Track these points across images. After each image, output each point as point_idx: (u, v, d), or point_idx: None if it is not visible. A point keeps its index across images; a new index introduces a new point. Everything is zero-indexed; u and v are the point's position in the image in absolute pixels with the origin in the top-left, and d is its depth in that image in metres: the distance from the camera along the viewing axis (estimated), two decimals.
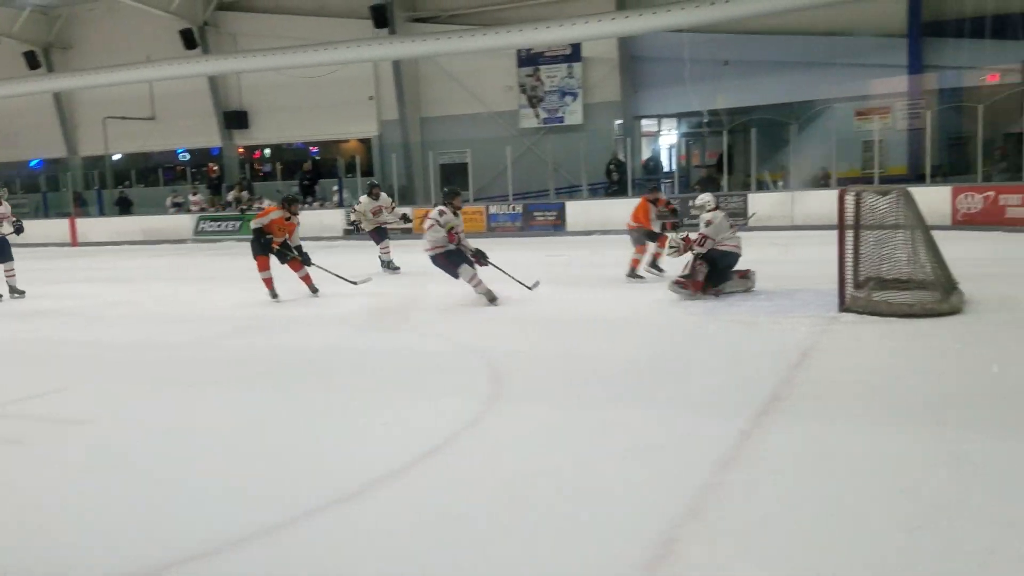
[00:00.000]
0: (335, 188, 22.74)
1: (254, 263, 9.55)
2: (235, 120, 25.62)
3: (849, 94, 18.53)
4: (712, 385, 5.05)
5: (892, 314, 6.66)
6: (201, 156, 26.86)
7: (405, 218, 13.27)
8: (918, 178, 16.58)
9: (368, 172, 23.65)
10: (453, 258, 8.37)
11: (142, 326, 8.44)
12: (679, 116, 22.02)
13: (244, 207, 22.56)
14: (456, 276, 8.39)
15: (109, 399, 5.37)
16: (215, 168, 25.94)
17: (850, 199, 7.17)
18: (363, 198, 12.86)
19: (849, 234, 7.12)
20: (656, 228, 10.07)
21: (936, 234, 7.40)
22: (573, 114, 21.95)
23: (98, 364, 6.56)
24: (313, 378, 5.72)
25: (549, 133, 21.89)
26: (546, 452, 3.96)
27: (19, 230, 11.16)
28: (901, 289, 7.00)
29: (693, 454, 3.79)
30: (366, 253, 13.13)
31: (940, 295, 6.84)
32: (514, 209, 19.76)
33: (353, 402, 5.01)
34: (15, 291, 10.95)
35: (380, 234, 12.54)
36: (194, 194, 24.45)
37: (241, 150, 26.54)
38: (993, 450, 3.68)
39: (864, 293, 7.05)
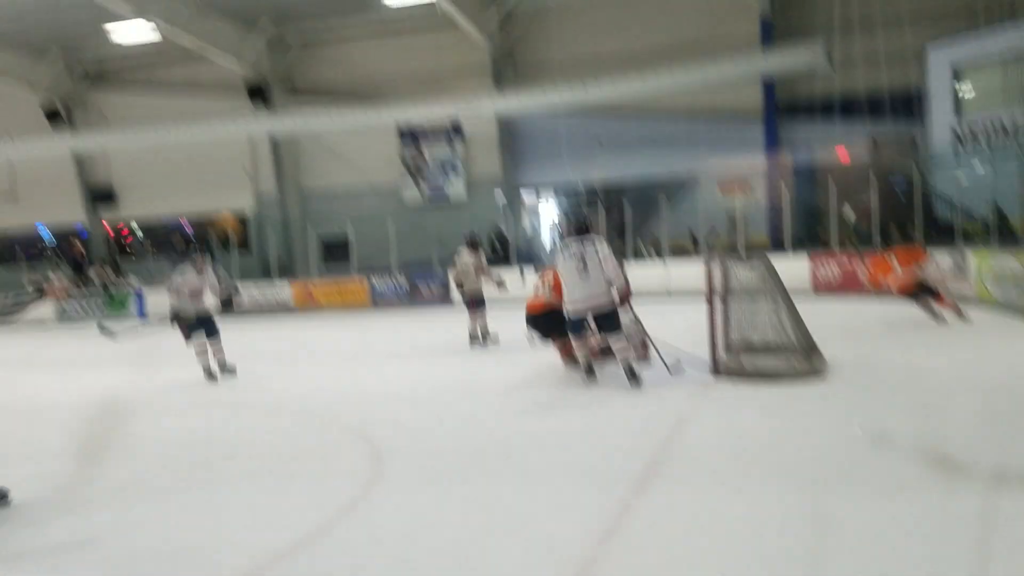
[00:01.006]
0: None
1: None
2: (102, 196, 24.56)
3: (712, 170, 19.73)
4: (591, 454, 5.07)
5: (760, 376, 6.94)
6: (65, 234, 25.49)
7: (502, 284, 10.97)
8: (778, 247, 17.63)
9: (244, 246, 23.09)
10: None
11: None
12: (557, 189, 22.74)
13: (111, 286, 21.47)
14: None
15: None
16: (79, 246, 24.67)
17: (716, 268, 7.52)
18: (463, 250, 10.76)
19: (717, 301, 7.43)
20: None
21: (796, 300, 7.82)
22: (456, 189, 22.29)
23: None
24: (186, 465, 5.38)
25: (434, 209, 22.09)
26: (426, 534, 3.84)
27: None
28: (767, 353, 7.34)
29: (575, 526, 3.77)
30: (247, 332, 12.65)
31: (803, 359, 7.19)
32: (398, 281, 19.66)
33: (227, 490, 4.73)
34: None
35: (478, 301, 10.66)
36: (54, 272, 23.07)
37: (108, 227, 25.38)
38: (857, 508, 3.84)
39: (734, 358, 7.35)
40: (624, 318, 7.41)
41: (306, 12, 20.71)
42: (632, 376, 6.99)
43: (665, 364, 7.52)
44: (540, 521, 3.91)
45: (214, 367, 9.06)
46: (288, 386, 8.55)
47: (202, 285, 9.15)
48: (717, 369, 7.26)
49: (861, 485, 4.18)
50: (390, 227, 20.18)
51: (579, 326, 7.17)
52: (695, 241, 18.92)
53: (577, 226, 7.30)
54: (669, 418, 5.85)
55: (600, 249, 7.07)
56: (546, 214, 23.66)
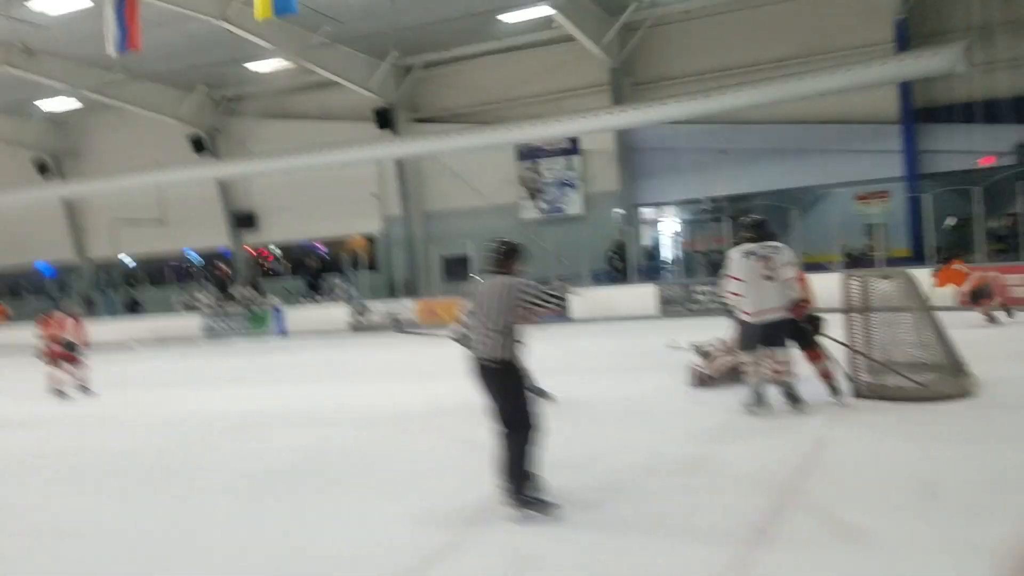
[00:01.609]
0: (340, 283, 23.13)
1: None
2: (244, 221, 26.07)
3: (847, 179, 18.84)
4: (721, 478, 4.92)
5: (903, 399, 6.56)
6: (211, 257, 27.22)
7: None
8: (920, 259, 16.65)
9: (373, 267, 23.93)
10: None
11: (128, 433, 8.31)
12: (679, 204, 22.34)
13: (253, 305, 22.88)
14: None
15: (94, 511, 5.24)
16: (225, 268, 26.25)
17: (855, 283, 7.17)
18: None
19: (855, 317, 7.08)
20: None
21: (942, 316, 7.36)
22: (574, 205, 22.31)
23: (83, 474, 6.43)
24: (312, 480, 5.58)
25: (550, 224, 22.19)
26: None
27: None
28: (911, 373, 6.92)
29: (738, 527, 3.67)
30: (371, 347, 13.08)
31: (950, 378, 6.75)
32: None
33: (350, 503, 4.89)
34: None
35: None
36: (201, 293, 24.66)
37: (250, 250, 26.92)
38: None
39: (875, 378, 6.96)
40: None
41: (430, 39, 21.31)
42: (794, 399, 6.55)
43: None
44: (711, 525, 3.83)
45: None
46: (416, 397, 8.76)
47: None
48: (857, 390, 6.91)
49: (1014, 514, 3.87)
50: None
51: (756, 339, 6.59)
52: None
53: (759, 231, 6.73)
54: (805, 443, 5.61)
55: (782, 256, 6.55)
56: (667, 228, 23.32)
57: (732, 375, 7.76)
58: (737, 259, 6.66)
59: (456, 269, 21.33)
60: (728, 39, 19.99)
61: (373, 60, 22.14)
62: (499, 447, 4.45)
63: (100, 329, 24.30)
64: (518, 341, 4.52)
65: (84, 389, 11.33)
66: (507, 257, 4.84)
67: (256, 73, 22.74)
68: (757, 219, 6.89)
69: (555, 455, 5.84)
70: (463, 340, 4.73)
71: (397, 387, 10.14)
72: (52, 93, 22.61)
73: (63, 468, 6.67)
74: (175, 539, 4.48)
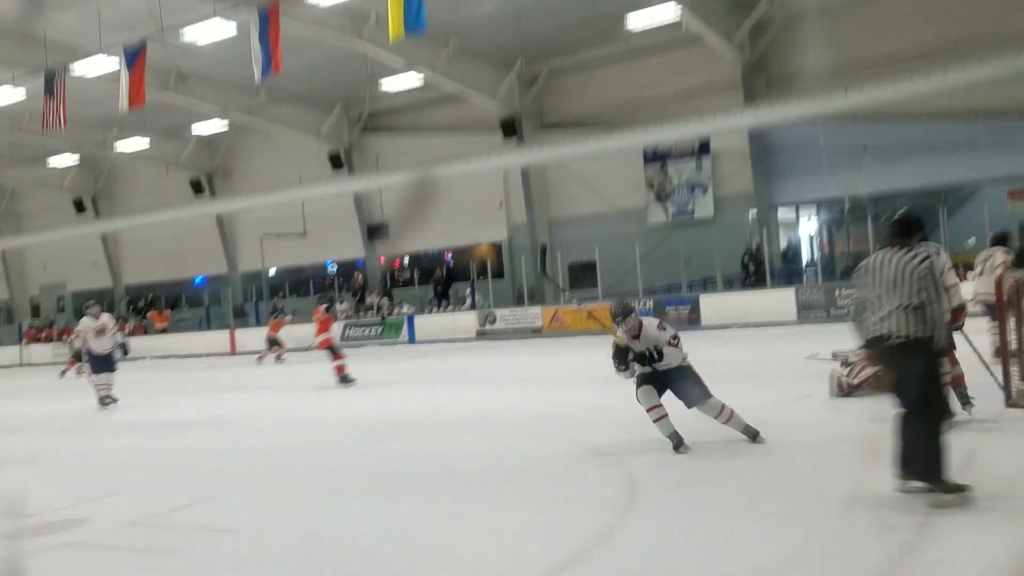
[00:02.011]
0: (468, 291, 23.59)
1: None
2: (377, 232, 27.07)
3: (998, 175, 17.47)
4: (874, 493, 4.65)
5: None
6: (347, 267, 28.43)
7: None
8: None
9: (499, 274, 24.26)
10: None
11: (283, 433, 8.77)
12: (817, 204, 21.40)
13: (385, 313, 23.73)
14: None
15: (253, 507, 5.54)
16: (359, 278, 27.33)
17: (1009, 283, 6.63)
18: None
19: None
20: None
21: None
22: (704, 207, 21.79)
23: (242, 473, 6.81)
24: (450, 485, 5.68)
25: (679, 228, 21.77)
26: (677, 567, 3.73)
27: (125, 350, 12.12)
28: None
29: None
30: (498, 352, 13.25)
31: None
32: (646, 305, 19.57)
33: (481, 509, 4.94)
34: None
35: None
36: (340, 303, 25.77)
37: (382, 260, 27.90)
38: None
39: None
40: None
41: (555, 46, 21.43)
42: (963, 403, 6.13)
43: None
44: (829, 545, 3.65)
45: None
46: (536, 404, 8.78)
47: None
48: (1011, 399, 6.38)
49: None
50: (636, 250, 20.19)
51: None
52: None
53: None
54: (956, 455, 5.21)
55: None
56: (805, 230, 22.41)
57: (877, 384, 7.32)
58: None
59: (583, 276, 21.31)
60: (866, 31, 19.00)
61: (499, 70, 22.49)
62: (900, 431, 4.32)
63: (247, 336, 25.98)
64: (935, 317, 4.39)
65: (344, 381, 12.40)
66: (909, 229, 4.77)
67: (389, 91, 23.58)
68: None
69: (685, 467, 5.72)
70: (857, 318, 4.62)
71: (527, 392, 10.20)
72: (204, 116, 24.27)
73: (207, 468, 7.10)
74: (316, 538, 4.67)
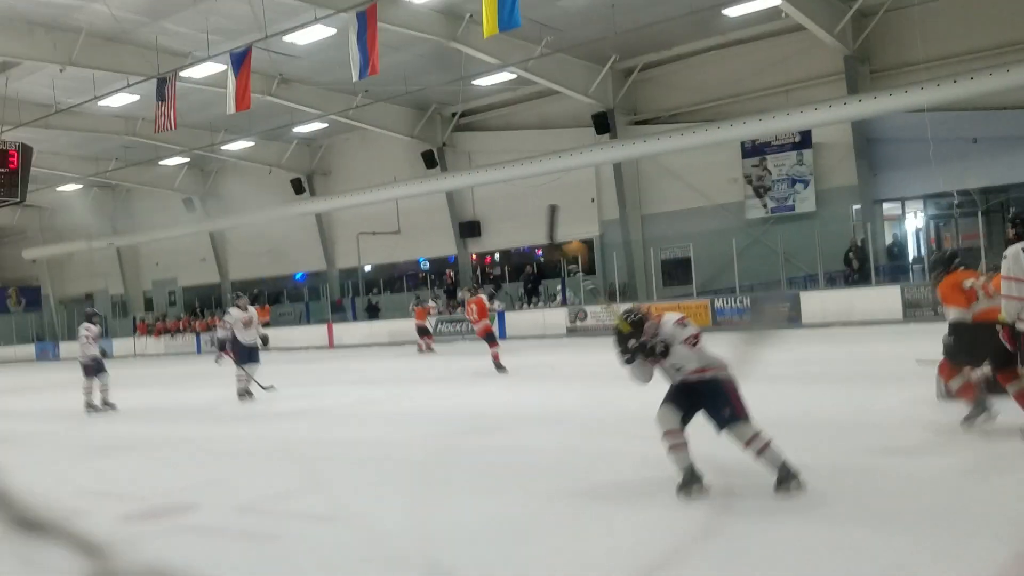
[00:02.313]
0: (558, 288, 23.54)
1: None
2: (469, 230, 27.36)
3: None
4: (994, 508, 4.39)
5: None
6: (439, 264, 28.85)
7: None
8: None
9: (590, 271, 24.12)
10: None
11: (386, 425, 8.94)
12: (924, 198, 20.41)
13: None
14: None
15: (357, 498, 5.65)
16: (451, 274, 27.70)
17: None
18: None
19: None
20: None
21: None
22: (804, 201, 21.08)
23: (347, 463, 6.97)
24: (560, 480, 5.64)
25: (779, 223, 21.14)
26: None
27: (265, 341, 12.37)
28: None
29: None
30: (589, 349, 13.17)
31: None
32: (742, 303, 19.08)
33: (575, 508, 4.91)
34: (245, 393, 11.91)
35: None
36: (434, 299, 26.17)
37: (474, 257, 28.18)
38: None
39: None
40: None
41: (650, 40, 21.11)
42: None
43: None
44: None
45: None
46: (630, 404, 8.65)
47: None
48: None
49: None
50: (732, 246, 19.71)
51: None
52: None
53: None
54: None
55: None
56: (911, 224, 21.42)
57: (993, 388, 6.90)
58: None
59: (677, 272, 20.95)
60: (976, 18, 18.01)
61: (592, 66, 22.34)
62: None
63: (345, 331, 26.71)
64: None
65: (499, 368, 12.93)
66: None
67: (481, 88, 23.76)
68: None
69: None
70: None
71: (619, 391, 10.09)
72: (304, 118, 25.05)
73: (312, 457, 7.29)
74: (420, 530, 4.73)
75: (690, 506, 4.65)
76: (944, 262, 6.53)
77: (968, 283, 6.15)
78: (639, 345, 4.79)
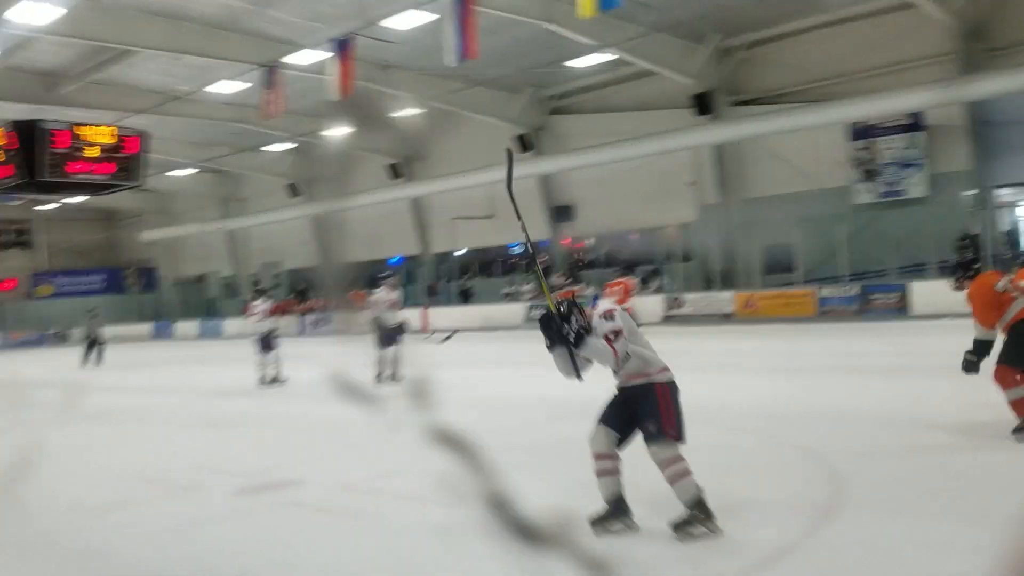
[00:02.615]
0: (654, 273, 23.19)
1: None
2: (562, 214, 27.24)
3: None
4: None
5: None
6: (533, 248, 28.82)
7: None
8: None
9: (686, 257, 23.65)
10: None
11: (480, 409, 8.98)
12: None
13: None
14: None
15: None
16: (544, 259, 27.66)
17: None
18: None
19: None
20: None
21: None
22: (916, 186, 20.06)
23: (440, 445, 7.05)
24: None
25: (887, 208, 20.20)
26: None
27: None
28: None
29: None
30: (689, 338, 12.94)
31: None
32: (849, 292, 18.35)
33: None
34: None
35: None
36: (525, 284, 26.25)
37: (567, 241, 28.07)
38: None
39: None
40: None
41: (752, 18, 20.44)
42: None
43: None
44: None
45: None
46: (723, 397, 8.47)
47: None
48: None
49: None
50: (839, 232, 18.96)
51: None
52: None
53: None
54: None
55: None
56: None
57: None
58: None
59: (780, 259, 20.34)
60: None
61: (691, 45, 21.80)
62: None
63: (440, 315, 27.10)
64: None
65: None
66: None
67: (576, 70, 23.54)
68: None
69: (898, 464, 5.30)
70: None
71: (728, 382, 9.88)
72: (403, 104, 25.40)
73: (408, 438, 7.42)
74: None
75: (794, 508, 4.51)
76: (964, 267, 6.25)
77: (1000, 285, 5.90)
78: (556, 330, 4.28)
